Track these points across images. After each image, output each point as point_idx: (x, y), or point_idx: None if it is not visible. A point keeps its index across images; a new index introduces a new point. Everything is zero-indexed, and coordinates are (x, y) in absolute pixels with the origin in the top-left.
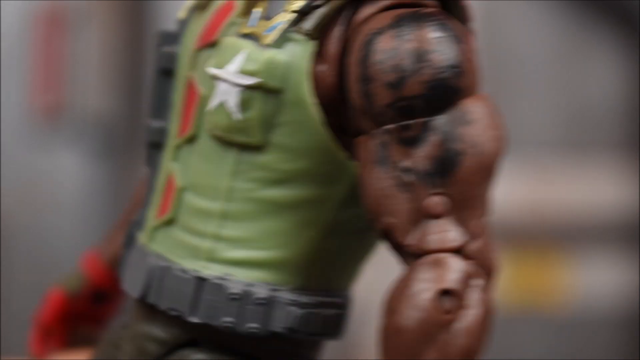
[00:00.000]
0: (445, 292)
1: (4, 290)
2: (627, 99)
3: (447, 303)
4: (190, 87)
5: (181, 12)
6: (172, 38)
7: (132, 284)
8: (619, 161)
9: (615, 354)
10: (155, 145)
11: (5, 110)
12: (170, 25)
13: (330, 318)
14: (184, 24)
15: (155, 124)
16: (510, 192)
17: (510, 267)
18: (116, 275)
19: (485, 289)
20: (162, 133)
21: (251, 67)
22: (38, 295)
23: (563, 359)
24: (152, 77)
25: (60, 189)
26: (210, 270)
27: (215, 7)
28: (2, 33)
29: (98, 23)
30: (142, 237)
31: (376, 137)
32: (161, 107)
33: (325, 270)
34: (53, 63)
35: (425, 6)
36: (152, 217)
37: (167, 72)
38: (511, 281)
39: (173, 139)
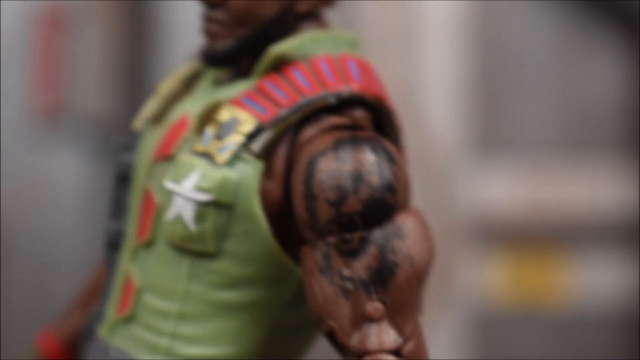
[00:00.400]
0: None
1: (4, 290)
2: (627, 98)
3: None
4: (147, 196)
5: (137, 123)
6: (129, 146)
7: None
8: (619, 161)
9: (615, 353)
10: (113, 246)
11: (5, 110)
12: (169, 30)
13: None
14: (139, 134)
15: (113, 225)
16: (511, 192)
17: (510, 267)
18: (71, 353)
19: None
20: (119, 234)
21: (205, 184)
22: (38, 295)
23: (563, 358)
24: (111, 182)
25: (60, 189)
26: None
27: (170, 121)
28: (2, 33)
29: (98, 23)
30: (102, 331)
31: (319, 248)
32: (118, 209)
33: None
34: (53, 63)
35: (361, 127)
36: (112, 313)
37: (123, 179)
38: (511, 281)
39: (131, 242)
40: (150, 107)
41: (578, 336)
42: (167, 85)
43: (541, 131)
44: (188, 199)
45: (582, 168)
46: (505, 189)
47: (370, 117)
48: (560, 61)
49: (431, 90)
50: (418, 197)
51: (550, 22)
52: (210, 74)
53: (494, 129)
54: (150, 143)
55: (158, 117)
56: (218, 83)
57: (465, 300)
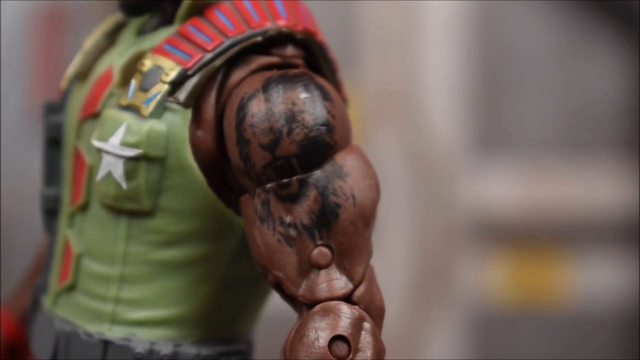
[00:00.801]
0: (338, 338)
1: (4, 290)
2: (627, 98)
3: (340, 349)
4: (77, 157)
5: (62, 82)
6: (57, 108)
7: (41, 349)
8: (619, 161)
9: (615, 353)
10: (51, 212)
11: (5, 110)
12: None
13: None
14: (66, 93)
15: (48, 191)
16: (511, 192)
17: (510, 266)
18: (26, 329)
19: (374, 331)
20: (55, 200)
21: (132, 139)
22: None
23: (563, 357)
24: (42, 147)
25: None
26: (114, 332)
27: (94, 77)
28: (2, 32)
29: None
30: (46, 302)
31: (258, 195)
32: (53, 175)
33: (223, 320)
34: (53, 62)
35: (293, 66)
36: (54, 282)
37: (55, 141)
38: (511, 280)
39: (67, 207)
40: (74, 64)
41: (578, 335)
42: (90, 39)
43: (541, 131)
44: (116, 155)
45: (582, 168)
46: (505, 188)
47: (302, 55)
48: (561, 61)
49: (431, 90)
50: (418, 196)
51: (550, 22)
52: (134, 24)
53: (494, 129)
54: (77, 101)
55: (84, 74)
56: (142, 33)
57: (465, 299)
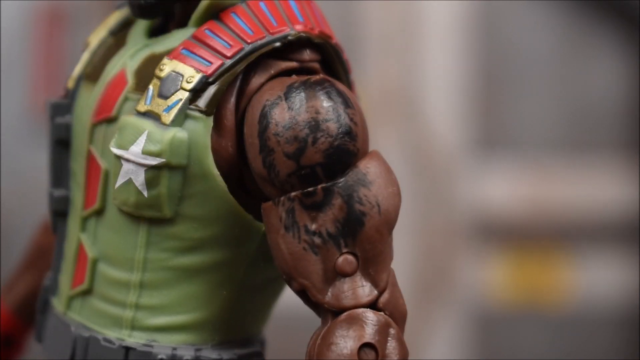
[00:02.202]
0: (366, 345)
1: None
2: (627, 98)
3: (369, 355)
4: (91, 161)
5: (69, 82)
6: (64, 108)
7: (55, 352)
8: (619, 161)
9: (616, 352)
10: (60, 213)
11: (5, 109)
12: None
13: None
14: (73, 94)
15: (57, 192)
16: (511, 191)
17: (511, 266)
18: (21, 320)
19: (399, 336)
20: (65, 201)
21: (154, 148)
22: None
23: (563, 357)
24: (49, 148)
25: None
26: (135, 339)
27: (106, 80)
28: (2, 32)
29: (99, 21)
30: (57, 305)
31: (283, 204)
32: (61, 176)
33: (241, 322)
34: (54, 61)
35: (311, 70)
36: (67, 286)
37: (62, 143)
38: (512, 280)
39: (79, 210)
40: (81, 63)
41: (578, 335)
42: (95, 37)
43: (542, 130)
44: (138, 164)
45: (583, 167)
46: (506, 188)
47: (319, 58)
48: (561, 61)
49: (432, 90)
50: (419, 196)
51: (551, 22)
52: (142, 23)
53: (494, 128)
54: (88, 103)
55: (92, 74)
56: (152, 33)
57: (465, 298)
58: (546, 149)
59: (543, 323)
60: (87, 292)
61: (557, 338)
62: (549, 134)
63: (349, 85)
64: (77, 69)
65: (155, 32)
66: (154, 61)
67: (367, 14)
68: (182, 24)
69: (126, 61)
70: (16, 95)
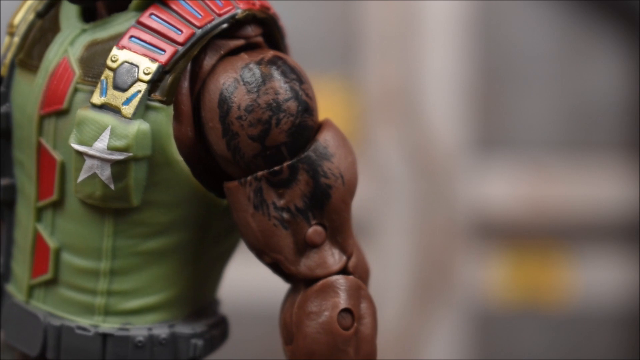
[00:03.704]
0: (342, 310)
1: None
2: (627, 98)
3: (346, 320)
4: (43, 153)
5: (2, 69)
6: (0, 98)
7: (25, 343)
8: (619, 160)
9: (615, 351)
10: (6, 202)
11: None
12: None
13: (220, 335)
14: (8, 82)
15: (2, 181)
16: (511, 190)
17: (511, 266)
18: None
19: (368, 295)
20: (11, 190)
21: (120, 143)
22: None
23: (563, 356)
24: None
25: None
26: (109, 324)
27: (49, 70)
28: (2, 30)
29: None
30: (16, 293)
31: (250, 184)
32: (5, 165)
33: (205, 291)
34: None
35: (256, 44)
36: (25, 275)
37: (3, 133)
38: (511, 279)
39: (33, 201)
40: (11, 49)
41: (578, 334)
42: (18, 18)
43: (542, 130)
44: (103, 160)
45: (582, 167)
46: (505, 187)
47: (261, 31)
48: (561, 60)
49: (431, 89)
50: (419, 195)
51: (551, 22)
52: (73, 6)
53: (494, 128)
54: (30, 93)
55: (26, 60)
56: (85, 15)
57: (465, 298)
58: (546, 149)
59: (543, 322)
60: (52, 282)
61: (557, 337)
62: (548, 133)
63: (285, 49)
64: (9, 55)
65: (88, 14)
66: (97, 48)
67: (367, 14)
68: (119, 6)
69: (67, 48)
70: None
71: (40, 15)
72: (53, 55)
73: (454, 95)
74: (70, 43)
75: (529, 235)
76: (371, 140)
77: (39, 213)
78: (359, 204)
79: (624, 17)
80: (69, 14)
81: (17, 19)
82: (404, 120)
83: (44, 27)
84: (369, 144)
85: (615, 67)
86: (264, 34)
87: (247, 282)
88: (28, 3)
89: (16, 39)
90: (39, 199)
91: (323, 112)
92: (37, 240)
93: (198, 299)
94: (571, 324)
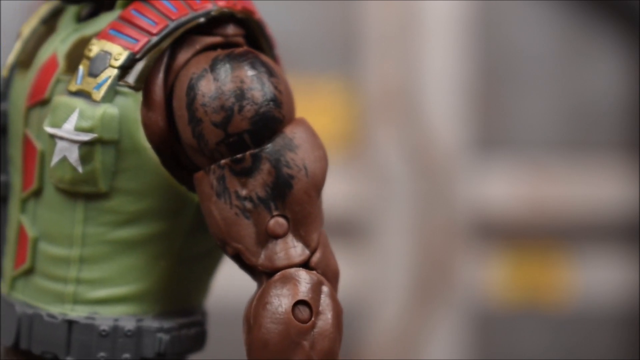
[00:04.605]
0: (300, 303)
1: None
2: (627, 98)
3: (303, 313)
4: (27, 144)
5: (4, 71)
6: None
7: (3, 333)
8: (619, 160)
9: (616, 351)
10: (1, 199)
11: None
12: None
13: (193, 336)
14: (8, 81)
15: None
16: (511, 190)
17: (511, 265)
18: None
19: (332, 293)
20: (5, 187)
21: (86, 124)
22: None
23: (563, 356)
24: None
25: None
26: (77, 312)
27: (38, 65)
28: (2, 30)
29: None
30: (3, 288)
31: (213, 172)
32: (0, 162)
33: (181, 293)
34: None
35: (236, 44)
36: (10, 267)
37: (0, 130)
38: (511, 279)
39: (18, 193)
40: (14, 52)
41: (578, 334)
42: (27, 26)
43: (542, 130)
44: (71, 141)
45: (582, 167)
46: (505, 187)
47: (243, 33)
48: (561, 60)
49: (431, 89)
50: (419, 195)
51: (551, 22)
52: (71, 10)
53: (494, 128)
54: (22, 89)
55: (25, 61)
56: (81, 19)
57: (465, 298)
58: (546, 149)
59: (543, 322)
60: (30, 272)
61: (557, 337)
62: (548, 133)
63: (274, 59)
64: (11, 58)
65: (85, 19)
66: (83, 44)
67: (367, 14)
68: (111, 7)
69: (57, 46)
70: None
71: (44, 21)
72: (44, 52)
73: (454, 95)
74: (61, 41)
75: (529, 235)
76: (371, 140)
77: (23, 204)
78: (359, 204)
79: (624, 17)
80: (68, 17)
81: (25, 27)
82: (404, 120)
83: (45, 31)
84: (369, 144)
85: (615, 67)
86: (247, 37)
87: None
88: (38, 13)
89: (19, 44)
90: (23, 190)
91: (323, 112)
92: (20, 231)
93: (173, 299)
94: (571, 324)
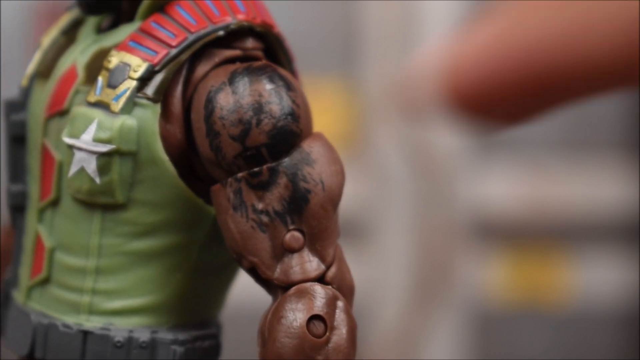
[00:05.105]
0: (315, 318)
1: None
2: (627, 98)
3: (318, 327)
4: (45, 154)
5: (23, 81)
6: (19, 106)
7: (17, 343)
8: (619, 160)
9: (615, 351)
10: (18, 209)
11: None
12: None
13: (207, 349)
14: (27, 91)
15: (14, 187)
16: (511, 190)
17: (511, 265)
18: None
19: (347, 308)
20: (22, 196)
21: (105, 135)
22: None
23: (563, 356)
24: (5, 145)
25: None
26: (92, 323)
27: (57, 75)
28: (2, 30)
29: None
30: (18, 297)
31: (230, 185)
32: (18, 171)
33: (196, 305)
34: None
35: (254, 58)
36: (26, 277)
37: (19, 139)
38: (511, 279)
39: (36, 203)
40: (34, 62)
41: (578, 334)
42: (47, 37)
43: (542, 130)
44: (89, 152)
45: (582, 167)
46: (505, 187)
47: (262, 47)
48: None
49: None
50: (419, 195)
51: None
52: (92, 21)
53: None
54: (41, 99)
55: (45, 72)
56: (101, 30)
57: (465, 298)
58: (546, 149)
59: (543, 322)
60: (46, 281)
61: (557, 337)
62: (548, 133)
63: (293, 73)
64: (31, 68)
65: (105, 30)
66: (103, 55)
67: (367, 14)
68: (130, 18)
69: (76, 56)
70: (16, 94)
71: (64, 32)
72: (63, 63)
73: None
74: (81, 52)
75: (529, 235)
76: (371, 140)
77: (41, 214)
78: (359, 204)
79: None
80: (88, 28)
81: (45, 38)
82: (404, 119)
83: (65, 42)
84: (369, 144)
85: None
86: (266, 51)
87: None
88: (59, 24)
89: (39, 54)
90: (41, 200)
91: (323, 112)
92: (37, 241)
93: (188, 311)
94: (571, 324)
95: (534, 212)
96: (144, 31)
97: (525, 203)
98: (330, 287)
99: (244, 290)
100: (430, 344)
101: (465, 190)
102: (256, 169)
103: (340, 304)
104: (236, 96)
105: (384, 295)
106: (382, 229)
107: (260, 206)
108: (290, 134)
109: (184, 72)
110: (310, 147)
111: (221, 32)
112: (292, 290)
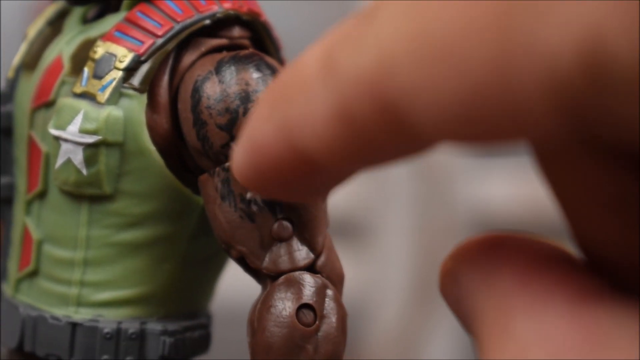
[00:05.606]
0: (304, 307)
1: None
2: None
3: (307, 316)
4: (32, 145)
5: (9, 72)
6: (5, 98)
7: (6, 335)
8: None
9: None
10: (6, 200)
11: None
12: None
13: (197, 339)
14: (13, 83)
15: (2, 180)
16: (511, 191)
17: None
18: None
19: (337, 297)
20: (10, 188)
21: (91, 126)
22: None
23: None
24: None
25: None
26: (81, 315)
27: (43, 66)
28: (2, 30)
29: None
30: (7, 289)
31: (218, 174)
32: (5, 164)
33: (185, 296)
34: None
35: (241, 46)
36: (14, 269)
37: (5, 131)
38: None
39: (23, 195)
40: (20, 54)
41: None
42: (33, 27)
43: None
44: (75, 143)
45: None
46: (506, 188)
47: (249, 35)
48: None
49: None
50: (419, 196)
51: None
52: (78, 12)
53: None
54: (27, 90)
55: (30, 63)
56: (87, 20)
57: None
58: None
59: None
60: (34, 274)
61: None
62: None
63: (280, 62)
64: (16, 59)
65: (91, 20)
66: (89, 45)
67: None
68: (116, 8)
69: (62, 47)
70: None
71: (50, 23)
72: (49, 54)
73: None
74: (66, 42)
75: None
76: None
77: (28, 206)
78: (359, 204)
79: None
80: (74, 19)
81: (31, 29)
82: None
83: (50, 33)
84: None
85: None
86: (253, 39)
87: (248, 282)
88: (44, 14)
89: (25, 45)
90: (28, 192)
91: None
92: (25, 233)
93: (177, 302)
94: None
95: (535, 212)
96: (129, 21)
97: (525, 204)
98: (319, 275)
99: (239, 288)
100: (430, 344)
101: (466, 190)
102: None
103: (329, 292)
104: (223, 85)
105: (383, 295)
106: (382, 229)
107: (248, 195)
108: None
109: (170, 62)
110: None
111: (207, 21)
112: (281, 279)
